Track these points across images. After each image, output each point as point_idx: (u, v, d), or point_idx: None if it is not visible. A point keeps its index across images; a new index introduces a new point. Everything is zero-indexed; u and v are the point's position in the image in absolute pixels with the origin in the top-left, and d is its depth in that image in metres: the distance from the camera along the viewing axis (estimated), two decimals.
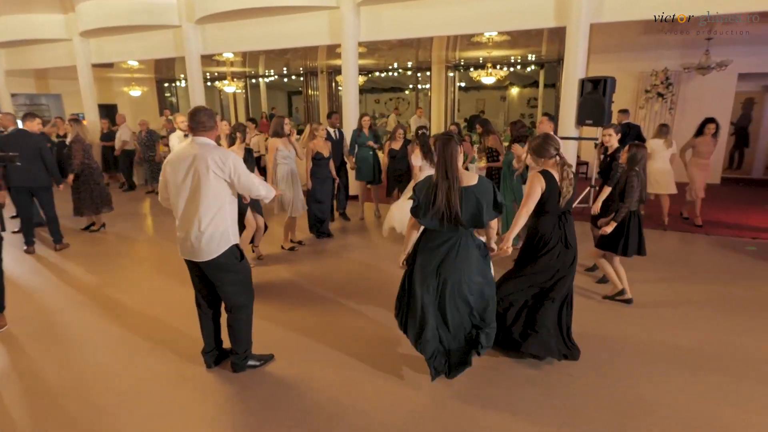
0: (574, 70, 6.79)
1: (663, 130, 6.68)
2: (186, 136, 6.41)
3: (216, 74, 15.74)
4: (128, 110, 17.36)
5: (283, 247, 5.90)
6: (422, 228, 2.98)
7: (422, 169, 5.77)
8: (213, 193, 2.84)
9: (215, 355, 3.27)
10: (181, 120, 6.91)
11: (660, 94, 9.46)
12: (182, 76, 16.85)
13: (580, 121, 6.81)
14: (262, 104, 17.26)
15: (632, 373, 3.17)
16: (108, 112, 17.53)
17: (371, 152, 7.20)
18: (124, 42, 10.60)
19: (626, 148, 4.05)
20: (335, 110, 8.14)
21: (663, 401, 2.88)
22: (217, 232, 2.88)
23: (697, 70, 8.81)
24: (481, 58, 11.32)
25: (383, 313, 4.04)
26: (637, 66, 9.79)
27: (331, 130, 7.12)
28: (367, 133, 7.14)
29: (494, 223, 3.05)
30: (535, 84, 14.96)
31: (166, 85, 17.22)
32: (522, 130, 5.63)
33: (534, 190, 3.01)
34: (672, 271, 5.09)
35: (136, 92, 14.61)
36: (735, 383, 3.06)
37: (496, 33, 8.85)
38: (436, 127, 13.59)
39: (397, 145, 6.71)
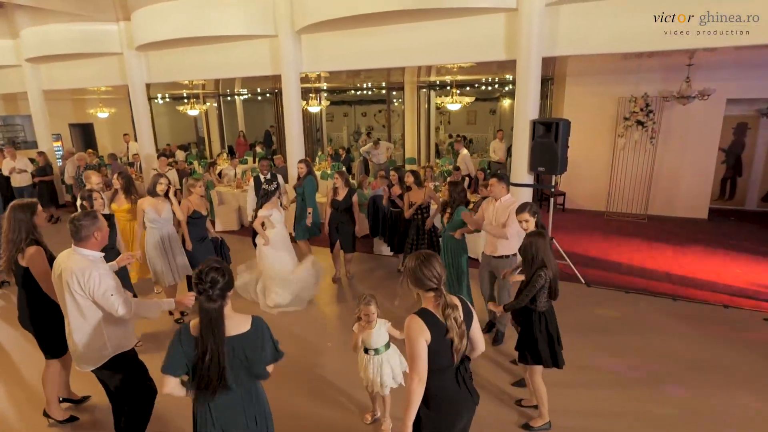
0: (525, 108, 6.03)
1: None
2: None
3: (184, 94, 15.23)
4: (105, 130, 17.00)
5: (176, 319, 5.19)
6: None
7: (272, 222, 5.33)
8: (80, 311, 2.77)
9: None
10: (96, 181, 5.57)
11: (640, 122, 8.64)
12: (158, 95, 16.42)
13: (533, 168, 6.06)
14: (239, 123, 16.70)
15: None
16: (83, 131, 17.21)
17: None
18: (73, 69, 10.09)
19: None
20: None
21: None
22: (90, 347, 2.83)
23: (677, 100, 7.98)
24: (452, 82, 10.60)
25: None
26: (617, 90, 8.97)
27: (262, 177, 6.46)
28: (302, 182, 6.25)
29: None
30: None
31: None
32: (462, 194, 4.92)
33: (416, 345, 2.10)
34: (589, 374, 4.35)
35: (103, 114, 14.13)
36: None
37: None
38: (410, 147, 12.88)
39: (340, 196, 5.97)
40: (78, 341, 2.82)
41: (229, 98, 16.08)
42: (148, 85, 9.82)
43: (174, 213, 5.00)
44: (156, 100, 16.72)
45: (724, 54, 7.71)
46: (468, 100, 9.55)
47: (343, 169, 10.90)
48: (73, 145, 16.75)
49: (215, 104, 16.09)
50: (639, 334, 4.82)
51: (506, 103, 18.65)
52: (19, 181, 9.79)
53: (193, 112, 12.47)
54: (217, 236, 5.63)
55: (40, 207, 3.30)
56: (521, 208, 3.69)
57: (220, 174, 10.43)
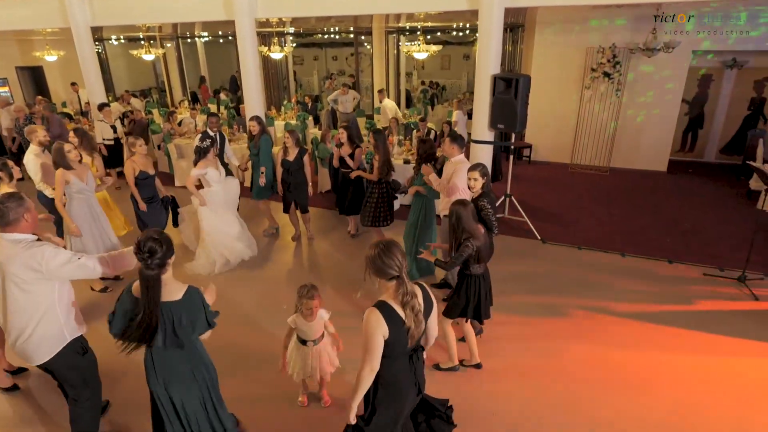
0: (487, 62, 5.85)
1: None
2: (44, 151, 5.30)
3: (141, 36, 14.23)
4: (57, 73, 15.90)
5: (93, 288, 4.99)
6: None
7: (208, 181, 5.20)
8: (32, 300, 2.57)
9: None
10: (43, 134, 5.24)
11: (606, 74, 8.54)
12: (113, 36, 15.31)
13: (493, 124, 5.98)
14: (202, 67, 15.84)
15: None
16: (33, 74, 16.08)
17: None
18: (8, 8, 9.20)
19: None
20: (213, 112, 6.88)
21: None
22: (46, 335, 2.63)
23: (643, 52, 7.86)
24: (421, 28, 10.16)
25: None
26: (585, 40, 8.78)
27: (211, 133, 6.22)
28: (256, 141, 5.98)
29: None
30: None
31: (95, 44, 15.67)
32: (429, 150, 4.84)
33: (373, 339, 2.14)
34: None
35: (51, 57, 13.15)
36: None
37: None
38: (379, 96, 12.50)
39: (291, 156, 5.80)
40: (31, 333, 2.59)
41: (189, 40, 15.13)
42: (100, 27, 9.07)
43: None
44: (110, 42, 15.64)
45: (692, 6, 7.55)
46: (435, 48, 9.18)
47: (307, 120, 10.63)
48: (22, 91, 15.71)
49: (175, 47, 15.15)
50: (585, 289, 5.02)
51: None
52: None
53: (149, 57, 11.69)
54: (168, 195, 5.42)
55: None
56: (473, 167, 3.78)
57: (180, 124, 10.00)
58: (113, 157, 8.25)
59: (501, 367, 3.82)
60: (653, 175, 9.09)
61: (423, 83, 16.03)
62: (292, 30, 13.50)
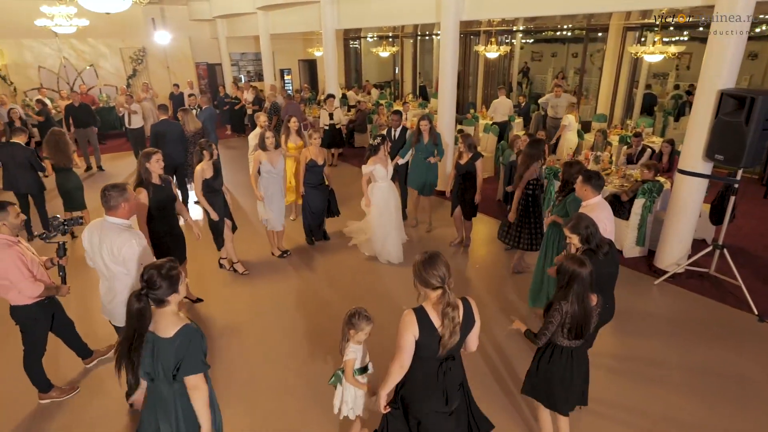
0: (716, 72, 4.47)
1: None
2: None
3: (390, 34, 15.90)
4: (323, 66, 19.31)
5: (273, 254, 5.95)
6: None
7: (375, 177, 5.48)
8: (116, 276, 2.97)
9: None
10: (263, 119, 6.58)
11: None
12: (369, 35, 17.65)
13: (709, 153, 4.60)
14: (434, 63, 16.75)
15: None
16: (309, 66, 19.92)
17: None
18: (288, 15, 11.68)
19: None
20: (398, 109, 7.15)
21: None
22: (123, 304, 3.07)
23: None
24: (675, 22, 8.36)
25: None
26: None
27: (393, 131, 6.65)
28: (427, 139, 6.19)
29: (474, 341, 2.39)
30: None
31: (351, 45, 18.43)
32: (577, 176, 4.10)
33: (403, 338, 2.22)
34: None
35: (318, 53, 15.96)
36: None
37: None
38: (604, 101, 10.97)
39: (463, 160, 5.75)
40: (113, 299, 3.03)
41: (426, 38, 16.21)
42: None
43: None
44: (366, 39, 18.06)
45: None
46: (674, 49, 7.31)
47: (513, 121, 10.15)
48: (300, 79, 19.71)
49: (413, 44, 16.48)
50: None
51: None
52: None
53: (384, 54, 13.04)
54: (329, 186, 6.02)
55: (155, 156, 3.95)
56: (565, 223, 3.12)
57: None
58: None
59: None
60: None
61: (677, 87, 13.27)
62: (521, 27, 12.97)
